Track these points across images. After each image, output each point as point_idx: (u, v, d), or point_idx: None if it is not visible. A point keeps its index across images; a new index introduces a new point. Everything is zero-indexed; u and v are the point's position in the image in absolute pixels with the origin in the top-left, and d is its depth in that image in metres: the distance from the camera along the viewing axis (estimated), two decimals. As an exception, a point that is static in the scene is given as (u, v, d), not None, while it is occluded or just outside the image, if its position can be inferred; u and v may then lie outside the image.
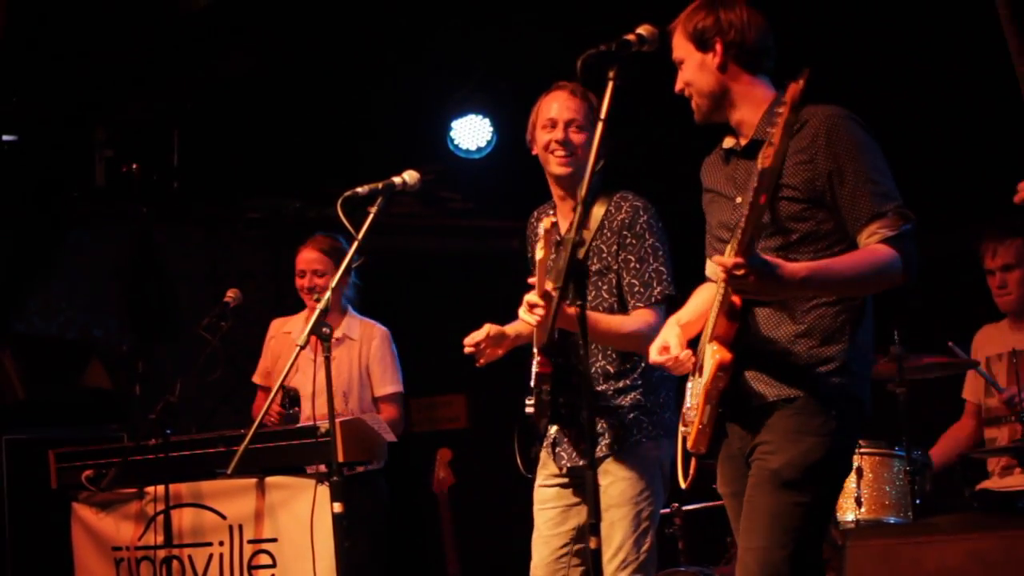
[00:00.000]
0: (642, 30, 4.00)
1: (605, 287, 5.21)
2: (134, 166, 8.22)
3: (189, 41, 7.50)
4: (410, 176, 5.23)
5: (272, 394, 5.40)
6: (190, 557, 6.43)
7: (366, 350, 7.06)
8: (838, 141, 4.08)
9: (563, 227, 5.31)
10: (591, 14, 6.70)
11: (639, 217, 5.17)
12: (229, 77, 7.92)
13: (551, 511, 5.33)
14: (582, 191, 3.64)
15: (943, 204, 6.36)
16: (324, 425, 5.80)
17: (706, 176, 4.47)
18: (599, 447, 5.20)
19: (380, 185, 5.15)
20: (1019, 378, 6.52)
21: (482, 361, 5.21)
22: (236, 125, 8.31)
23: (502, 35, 7.69)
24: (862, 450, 6.05)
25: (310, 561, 6.00)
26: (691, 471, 4.42)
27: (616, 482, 5.15)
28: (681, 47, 4.26)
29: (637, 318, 5.10)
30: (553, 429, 5.27)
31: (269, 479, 6.30)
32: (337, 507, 5.21)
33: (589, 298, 5.15)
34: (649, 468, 5.18)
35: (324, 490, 5.82)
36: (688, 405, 4.37)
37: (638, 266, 5.13)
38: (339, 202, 5.01)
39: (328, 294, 5.00)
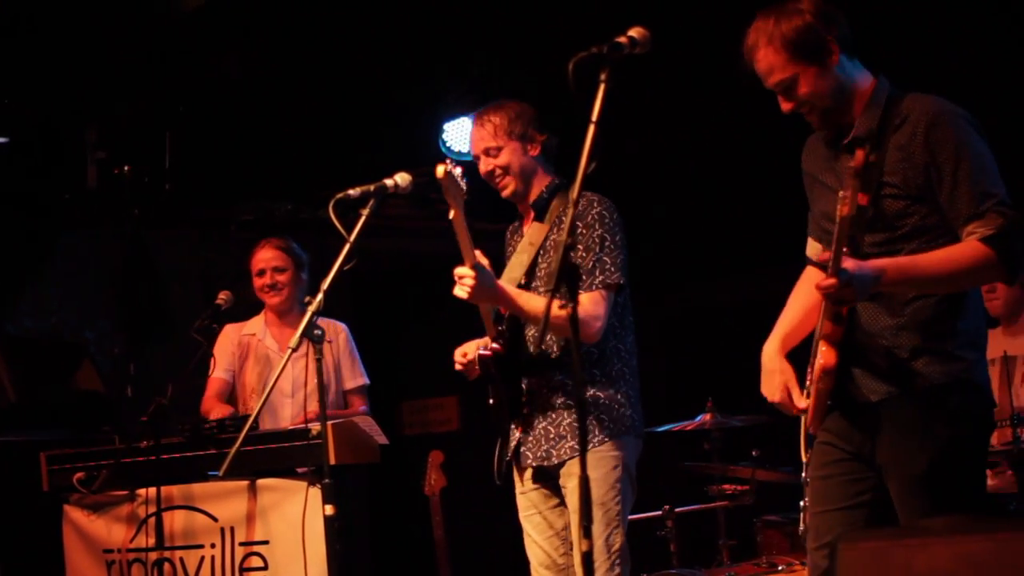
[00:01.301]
0: (634, 32, 3.98)
1: (544, 289, 5.22)
2: (126, 168, 8.20)
3: (181, 43, 7.49)
4: (402, 178, 5.23)
5: (263, 397, 5.36)
6: (181, 559, 6.43)
7: (335, 347, 7.14)
8: (936, 138, 4.05)
9: (526, 231, 5.43)
10: (583, 16, 6.70)
11: (592, 209, 5.21)
12: (221, 79, 7.91)
13: (537, 516, 5.39)
14: (573, 193, 3.63)
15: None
16: (316, 427, 5.80)
17: (807, 159, 4.46)
18: (562, 448, 5.23)
19: (372, 187, 5.15)
20: (1010, 382, 6.53)
21: (473, 376, 5.26)
22: (228, 127, 8.30)
23: (494, 37, 7.69)
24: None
25: (302, 563, 6.00)
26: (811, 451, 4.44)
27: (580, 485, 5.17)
28: (784, 67, 4.16)
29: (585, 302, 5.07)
30: (517, 433, 5.29)
31: (261, 481, 6.31)
32: (329, 509, 5.21)
33: (540, 287, 5.23)
34: (616, 467, 5.20)
35: (316, 492, 5.82)
36: (808, 382, 4.35)
37: (584, 255, 5.16)
38: (331, 204, 5.01)
39: (320, 296, 5.00)
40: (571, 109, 3.81)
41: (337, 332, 7.23)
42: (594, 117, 3.72)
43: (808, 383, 4.35)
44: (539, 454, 5.28)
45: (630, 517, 6.93)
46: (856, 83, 4.22)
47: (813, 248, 4.56)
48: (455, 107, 8.55)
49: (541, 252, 5.33)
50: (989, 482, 6.57)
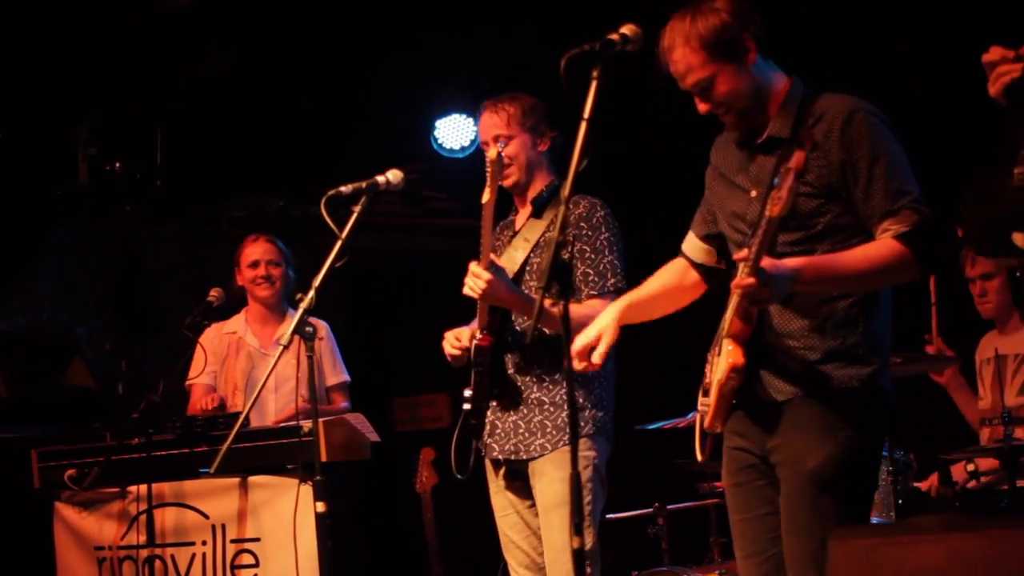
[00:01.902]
0: (626, 29, 3.97)
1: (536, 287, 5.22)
2: (117, 165, 8.19)
3: (172, 39, 7.48)
4: (394, 175, 5.23)
5: (253, 397, 5.35)
6: (173, 557, 6.43)
7: (316, 344, 7.11)
8: (851, 134, 4.04)
9: (520, 226, 5.46)
10: (575, 13, 6.69)
11: (596, 212, 5.26)
12: (213, 75, 7.90)
13: (514, 516, 5.40)
14: (565, 191, 3.63)
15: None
16: (307, 425, 5.80)
17: (718, 156, 4.44)
18: (531, 445, 5.23)
19: (364, 184, 5.15)
20: (1001, 381, 6.55)
21: (459, 364, 5.31)
22: (220, 124, 8.29)
23: (486, 34, 7.68)
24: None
25: (293, 560, 6.01)
26: (707, 448, 4.41)
27: (552, 483, 5.18)
28: (703, 66, 4.12)
29: (590, 307, 5.09)
30: (487, 423, 5.30)
31: (252, 478, 6.31)
32: (320, 506, 5.21)
33: (534, 284, 5.24)
34: (586, 467, 5.21)
35: (307, 489, 5.82)
36: (707, 380, 4.35)
37: (593, 256, 5.20)
38: (323, 201, 5.01)
39: (312, 293, 5.00)
40: (564, 105, 3.82)
41: (318, 329, 7.21)
42: (586, 114, 3.71)
43: (706, 381, 4.34)
44: (507, 447, 5.30)
45: (621, 515, 6.95)
46: (772, 83, 4.20)
47: (692, 244, 4.57)
48: (447, 104, 8.54)
49: (535, 250, 5.34)
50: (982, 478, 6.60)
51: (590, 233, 5.21)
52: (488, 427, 5.35)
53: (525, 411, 5.26)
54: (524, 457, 5.25)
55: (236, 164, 8.64)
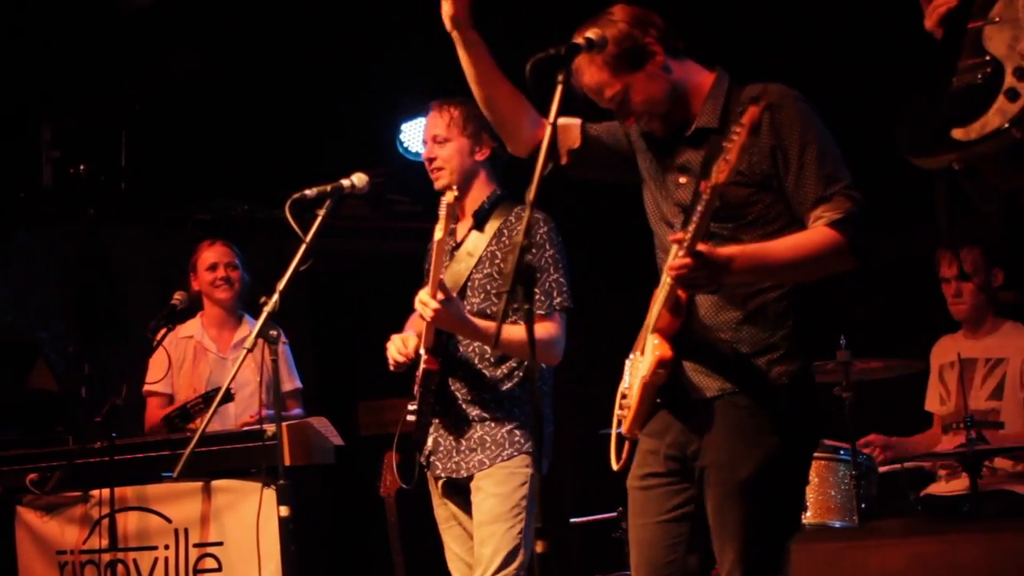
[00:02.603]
0: (591, 34, 3.98)
1: (494, 291, 5.20)
2: (81, 167, 8.16)
3: (135, 40, 7.46)
4: (359, 179, 5.22)
5: (216, 400, 5.34)
6: (135, 561, 6.41)
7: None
8: (781, 121, 4.01)
9: (460, 234, 5.38)
10: (541, 17, 6.70)
11: (539, 229, 5.17)
12: (177, 77, 7.88)
13: (457, 528, 5.36)
14: (530, 194, 3.60)
15: (893, 204, 6.36)
16: (271, 428, 5.79)
17: (638, 138, 4.37)
18: (471, 461, 5.19)
19: (328, 187, 5.14)
20: (964, 385, 6.57)
21: (399, 370, 5.24)
22: (185, 126, 8.27)
23: (444, 37, 7.68)
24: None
25: (256, 565, 5.99)
26: (623, 455, 4.35)
27: (487, 498, 5.13)
28: (612, 81, 4.10)
29: (538, 328, 5.01)
30: (430, 440, 5.27)
31: (215, 482, 6.30)
32: (283, 510, 5.19)
33: (477, 300, 5.19)
34: (523, 483, 5.14)
35: (270, 493, 5.80)
36: (625, 385, 4.32)
37: (538, 276, 5.09)
38: (287, 204, 5.00)
39: (276, 296, 4.98)
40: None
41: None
42: (551, 118, 3.70)
43: (624, 387, 4.31)
44: (449, 466, 5.25)
45: (586, 519, 6.96)
46: (690, 80, 4.17)
47: (572, 122, 4.43)
48: (413, 107, 8.53)
49: (478, 265, 5.26)
50: (944, 485, 6.62)
51: (535, 251, 5.13)
52: (431, 444, 5.31)
53: (466, 429, 5.20)
54: (464, 475, 5.20)
55: (201, 167, 8.62)
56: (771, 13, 7.10)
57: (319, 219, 5.09)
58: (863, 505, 6.16)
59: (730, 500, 4.05)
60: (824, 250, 3.94)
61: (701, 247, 3.78)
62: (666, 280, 4.01)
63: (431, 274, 4.94)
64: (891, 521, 6.17)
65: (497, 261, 5.20)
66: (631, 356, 4.33)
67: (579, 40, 3.96)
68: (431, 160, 5.33)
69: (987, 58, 3.38)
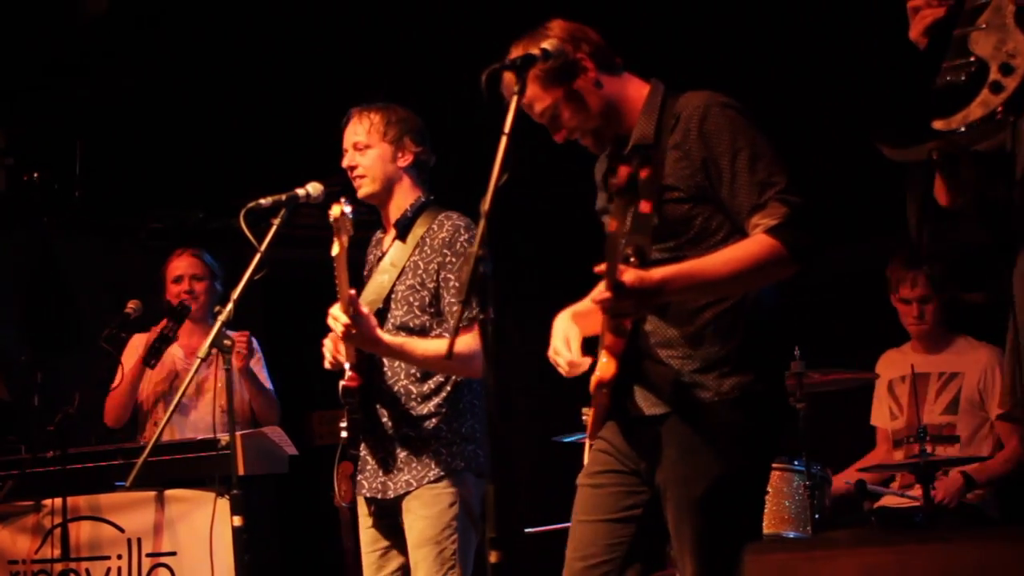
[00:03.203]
0: (547, 44, 3.99)
1: (417, 303, 5.14)
2: (36, 175, 8.13)
3: (90, 48, 7.43)
4: (314, 188, 5.21)
5: (170, 409, 5.32)
6: (87, 570, 6.38)
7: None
8: (709, 131, 3.97)
9: (387, 248, 5.32)
10: (496, 27, 6.70)
11: (460, 236, 5.11)
12: (133, 85, 7.85)
13: (373, 555, 5.26)
14: (485, 205, 3.59)
15: (843, 218, 6.40)
16: (224, 438, 5.78)
17: (599, 173, 4.37)
18: (398, 482, 5.12)
19: (284, 197, 5.13)
20: (918, 398, 6.61)
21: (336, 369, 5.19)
22: (140, 135, 8.24)
23: (408, 46, 7.68)
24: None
25: (209, 574, 5.97)
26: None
27: (417, 520, 5.06)
28: (543, 95, 4.10)
29: (459, 342, 4.90)
30: (362, 452, 5.23)
31: (168, 492, 6.28)
32: (237, 520, 5.18)
33: (400, 313, 5.15)
34: (452, 504, 5.06)
35: (224, 503, 5.78)
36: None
37: (456, 285, 5.05)
38: (242, 213, 4.99)
39: (231, 305, 4.98)
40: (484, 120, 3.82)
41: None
42: (506, 129, 3.70)
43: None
44: (375, 485, 5.17)
45: (542, 528, 6.95)
46: (625, 95, 4.15)
47: None
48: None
49: (401, 276, 5.20)
50: (897, 497, 6.66)
51: (454, 260, 5.07)
52: (360, 462, 5.25)
53: (392, 448, 5.13)
54: (391, 495, 5.12)
55: (156, 175, 8.59)
56: (722, 22, 7.13)
57: (274, 228, 5.08)
58: (817, 516, 6.19)
59: (686, 515, 4.03)
60: (762, 259, 3.88)
61: (627, 276, 3.72)
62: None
63: (339, 290, 4.87)
64: (844, 532, 6.19)
65: (419, 272, 5.13)
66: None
67: (534, 51, 3.95)
68: (352, 168, 5.26)
69: (971, 59, 3.41)
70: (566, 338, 4.18)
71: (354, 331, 4.89)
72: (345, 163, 5.26)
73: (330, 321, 4.94)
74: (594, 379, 4.02)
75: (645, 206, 3.77)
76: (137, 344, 7.09)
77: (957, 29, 3.49)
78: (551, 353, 4.20)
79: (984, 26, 3.44)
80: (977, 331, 6.91)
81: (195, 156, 8.47)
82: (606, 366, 3.99)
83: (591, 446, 4.32)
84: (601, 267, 3.77)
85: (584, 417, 4.33)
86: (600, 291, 3.79)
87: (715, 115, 3.99)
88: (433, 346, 4.99)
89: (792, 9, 6.94)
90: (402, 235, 5.23)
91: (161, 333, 6.66)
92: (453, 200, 5.24)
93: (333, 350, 5.16)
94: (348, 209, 4.79)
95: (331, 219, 4.77)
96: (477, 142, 4.09)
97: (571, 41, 4.08)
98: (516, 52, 4.03)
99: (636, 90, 4.18)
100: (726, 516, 4.02)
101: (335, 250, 4.80)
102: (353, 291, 4.90)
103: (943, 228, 3.99)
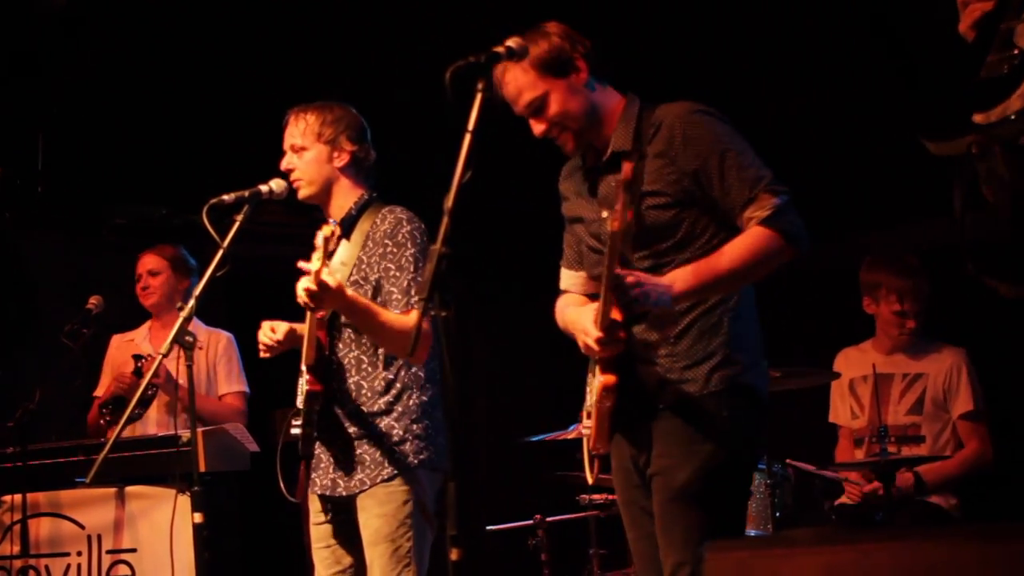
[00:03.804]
0: (511, 42, 4.00)
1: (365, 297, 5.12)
2: (-2, 170, 8.09)
3: (52, 41, 7.40)
4: (277, 184, 5.20)
5: (131, 402, 5.31)
6: (47, 567, 6.36)
7: (212, 353, 7.14)
8: (696, 139, 4.11)
9: (337, 249, 5.26)
10: (456, 24, 6.71)
11: (401, 227, 5.11)
12: (96, 79, 7.82)
13: (325, 550, 5.24)
14: (448, 202, 3.60)
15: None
16: (186, 434, 5.76)
17: (566, 184, 4.48)
18: (352, 481, 5.11)
19: (247, 193, 5.12)
20: (879, 398, 6.63)
21: (267, 356, 5.21)
22: (103, 129, 8.20)
23: (367, 43, 7.68)
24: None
25: (169, 571, 5.97)
26: (595, 469, 4.43)
27: (371, 519, 5.05)
28: (534, 85, 4.20)
29: (398, 322, 4.99)
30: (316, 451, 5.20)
31: (129, 488, 6.26)
32: (197, 517, 5.17)
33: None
34: (406, 502, 5.06)
35: (184, 500, 5.77)
36: (588, 403, 4.36)
37: (397, 274, 5.06)
38: (204, 209, 4.98)
39: (192, 301, 4.97)
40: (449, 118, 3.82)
41: (218, 340, 7.28)
42: (470, 126, 3.71)
43: (588, 403, 4.37)
44: (326, 483, 5.16)
45: (502, 526, 6.94)
46: (607, 104, 4.28)
47: (571, 278, 4.56)
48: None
49: (351, 275, 5.18)
50: (851, 498, 6.68)
51: (395, 251, 5.07)
52: (314, 460, 5.22)
53: (345, 445, 5.12)
54: (344, 494, 5.11)
55: (119, 171, 8.56)
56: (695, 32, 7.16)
57: (237, 224, 5.07)
58: (778, 514, 6.21)
59: (669, 506, 4.14)
60: (763, 249, 4.07)
61: (654, 284, 3.95)
62: (600, 308, 4.04)
63: (312, 265, 4.88)
64: (804, 530, 6.21)
65: (363, 266, 5.13)
66: (589, 374, 4.42)
67: (499, 49, 3.97)
68: (290, 171, 5.23)
69: (1015, 52, 3.42)
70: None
71: (327, 287, 4.87)
72: (283, 166, 5.22)
73: (300, 292, 4.91)
74: (599, 384, 4.11)
75: (616, 265, 3.86)
76: (115, 344, 7.10)
77: (1004, 23, 3.49)
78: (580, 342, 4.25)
79: None
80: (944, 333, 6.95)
81: (159, 151, 8.44)
82: (606, 372, 4.10)
83: (595, 460, 4.42)
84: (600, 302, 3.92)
85: (584, 430, 4.36)
86: (597, 319, 3.97)
87: (697, 121, 4.15)
88: (390, 315, 5.00)
89: (761, 10, 6.98)
90: (347, 233, 5.21)
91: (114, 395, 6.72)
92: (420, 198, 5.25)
93: (267, 334, 5.13)
94: (339, 230, 4.88)
95: (319, 237, 4.81)
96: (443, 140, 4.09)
97: (569, 40, 4.22)
98: (498, 47, 4.05)
99: (615, 102, 4.30)
100: (705, 507, 4.11)
101: (314, 264, 4.81)
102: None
103: (984, 217, 4.00)
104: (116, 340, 7.31)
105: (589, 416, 4.35)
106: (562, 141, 4.28)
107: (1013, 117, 3.36)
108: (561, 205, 4.54)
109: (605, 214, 4.17)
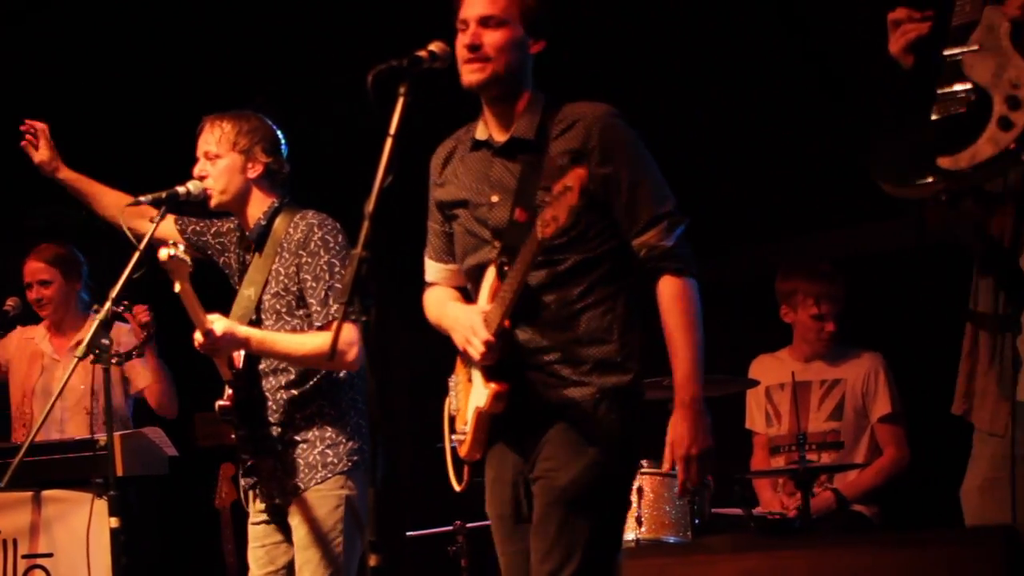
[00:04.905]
0: (434, 47, 3.98)
1: (285, 310, 5.11)
2: (-89, 170, 8.00)
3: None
4: (195, 185, 5.16)
5: (47, 408, 5.27)
6: (-39, 572, 6.29)
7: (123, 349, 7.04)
8: (611, 144, 4.07)
9: (249, 260, 5.29)
10: (383, 29, 6.70)
11: (313, 234, 5.07)
12: (14, 75, 7.75)
13: (260, 550, 5.21)
14: (369, 207, 3.58)
15: (714, 227, 6.45)
16: (102, 438, 5.72)
17: (444, 167, 4.40)
18: (288, 486, 5.09)
19: (164, 194, 5.08)
20: (798, 407, 6.67)
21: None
22: (18, 130, 8.13)
23: (295, 45, 7.65)
24: (643, 470, 6.09)
25: (86, 576, 5.92)
26: (465, 476, 4.37)
27: (302, 524, 5.04)
28: (506, 10, 4.11)
29: (317, 336, 4.97)
30: (251, 460, 5.17)
31: (45, 492, 6.21)
32: (114, 522, 5.13)
33: (271, 323, 5.11)
34: (337, 506, 5.05)
35: (101, 504, 5.73)
36: (454, 407, 4.32)
37: (314, 285, 5.03)
38: (121, 210, 4.95)
39: (108, 304, 4.93)
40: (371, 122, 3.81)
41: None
42: (392, 130, 3.70)
43: (453, 409, 4.35)
44: (263, 490, 5.15)
45: (422, 532, 6.93)
46: (526, 83, 4.21)
47: (440, 271, 4.50)
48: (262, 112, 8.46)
49: (266, 286, 5.16)
50: (776, 503, 6.72)
51: (309, 260, 5.03)
52: (251, 464, 5.18)
53: (279, 452, 5.09)
54: (278, 501, 5.11)
55: (36, 171, 8.47)
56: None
57: (154, 226, 5.04)
58: (697, 521, 6.22)
59: (549, 508, 4.08)
60: (688, 299, 4.09)
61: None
62: (495, 310, 4.03)
63: (195, 320, 4.86)
64: (722, 537, 6.23)
65: (281, 277, 5.10)
66: (453, 378, 4.35)
67: (422, 52, 3.95)
68: (202, 178, 5.18)
69: (969, 86, 3.36)
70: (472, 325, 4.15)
71: (218, 337, 4.85)
72: (196, 172, 5.18)
73: (197, 346, 4.88)
74: (490, 392, 4.07)
75: (521, 214, 3.82)
76: (14, 338, 7.04)
77: (947, 48, 3.44)
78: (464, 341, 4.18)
79: (977, 47, 3.37)
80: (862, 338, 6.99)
81: (76, 152, 8.36)
82: (492, 383, 4.07)
83: (464, 467, 4.36)
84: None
85: (458, 437, 4.31)
86: (485, 329, 3.98)
87: (617, 126, 4.12)
88: (302, 339, 4.97)
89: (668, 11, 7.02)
90: (259, 246, 5.19)
91: None
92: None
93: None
94: (176, 251, 4.74)
95: (161, 264, 4.72)
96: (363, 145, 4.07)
97: (548, 9, 4.16)
98: (421, 51, 3.99)
99: (528, 89, 4.23)
100: (592, 510, 4.05)
101: (177, 288, 4.75)
102: (204, 315, 4.87)
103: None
104: (15, 332, 7.17)
105: (452, 420, 4.32)
106: (474, 69, 4.13)
107: (984, 164, 3.32)
108: (431, 191, 4.44)
109: (496, 199, 4.15)
